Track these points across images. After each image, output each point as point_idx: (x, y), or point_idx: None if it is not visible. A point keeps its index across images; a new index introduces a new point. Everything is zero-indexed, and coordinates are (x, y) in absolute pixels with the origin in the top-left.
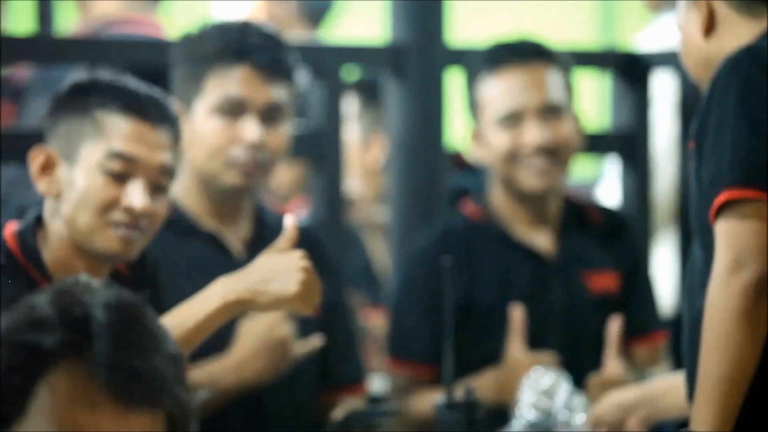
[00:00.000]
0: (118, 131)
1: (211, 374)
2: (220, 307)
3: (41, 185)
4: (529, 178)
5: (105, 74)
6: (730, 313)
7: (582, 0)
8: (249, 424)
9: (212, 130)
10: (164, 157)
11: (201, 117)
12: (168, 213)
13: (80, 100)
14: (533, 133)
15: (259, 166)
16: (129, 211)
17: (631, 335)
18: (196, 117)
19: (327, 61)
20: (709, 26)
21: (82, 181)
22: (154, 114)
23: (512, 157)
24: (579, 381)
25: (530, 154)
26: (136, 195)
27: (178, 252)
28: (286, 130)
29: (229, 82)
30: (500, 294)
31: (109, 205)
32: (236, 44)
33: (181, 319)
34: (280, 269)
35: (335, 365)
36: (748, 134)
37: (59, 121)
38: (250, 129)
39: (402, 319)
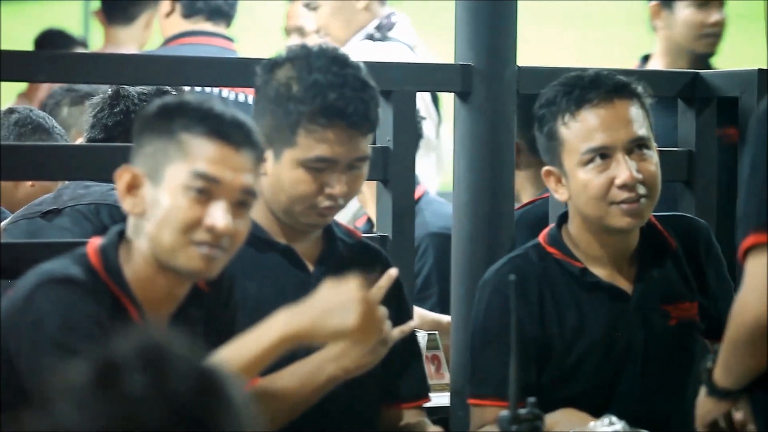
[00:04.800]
0: (202, 153)
1: (313, 365)
2: (278, 340)
3: (126, 204)
4: (620, 216)
5: (191, 98)
6: (735, 343)
7: (644, 26)
8: None
9: (299, 181)
10: (247, 179)
11: (289, 165)
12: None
13: (166, 123)
14: (624, 170)
15: (338, 209)
16: (211, 230)
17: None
18: (284, 163)
19: (396, 82)
20: None
21: (166, 201)
22: (238, 137)
23: (602, 195)
24: (662, 418)
25: (621, 191)
26: (218, 215)
27: (256, 264)
28: (365, 172)
29: (322, 144)
30: (578, 335)
31: (192, 225)
32: (333, 104)
33: (242, 349)
34: (340, 301)
35: (398, 379)
36: None
37: (145, 142)
38: (337, 185)
39: (480, 355)
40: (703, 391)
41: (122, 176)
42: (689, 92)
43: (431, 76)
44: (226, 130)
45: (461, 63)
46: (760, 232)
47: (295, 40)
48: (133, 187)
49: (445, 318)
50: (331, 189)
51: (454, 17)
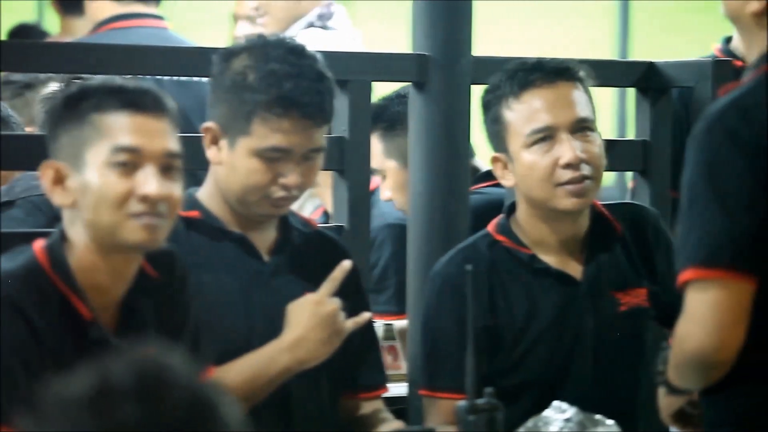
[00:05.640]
0: (117, 127)
1: (267, 356)
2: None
3: (56, 198)
4: (566, 197)
5: (94, 80)
6: (679, 367)
7: (599, 17)
8: (276, 424)
9: (253, 170)
10: (167, 143)
11: (243, 154)
12: (197, 215)
13: (74, 110)
14: (568, 150)
15: (292, 200)
16: (145, 199)
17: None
18: (238, 152)
19: (352, 72)
20: None
21: (94, 182)
22: (147, 104)
23: (547, 177)
24: (616, 404)
25: (566, 171)
26: (148, 182)
27: (210, 253)
28: (320, 164)
29: (277, 133)
30: (528, 321)
31: (124, 199)
32: (289, 94)
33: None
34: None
35: (355, 369)
36: (715, 211)
37: (59, 134)
38: (291, 176)
39: (432, 347)
40: (661, 390)
41: (45, 172)
42: (644, 82)
43: (387, 66)
44: (133, 100)
45: (417, 53)
46: (698, 267)
47: (243, 28)
48: (58, 180)
49: None
50: (285, 179)
51: (410, 7)
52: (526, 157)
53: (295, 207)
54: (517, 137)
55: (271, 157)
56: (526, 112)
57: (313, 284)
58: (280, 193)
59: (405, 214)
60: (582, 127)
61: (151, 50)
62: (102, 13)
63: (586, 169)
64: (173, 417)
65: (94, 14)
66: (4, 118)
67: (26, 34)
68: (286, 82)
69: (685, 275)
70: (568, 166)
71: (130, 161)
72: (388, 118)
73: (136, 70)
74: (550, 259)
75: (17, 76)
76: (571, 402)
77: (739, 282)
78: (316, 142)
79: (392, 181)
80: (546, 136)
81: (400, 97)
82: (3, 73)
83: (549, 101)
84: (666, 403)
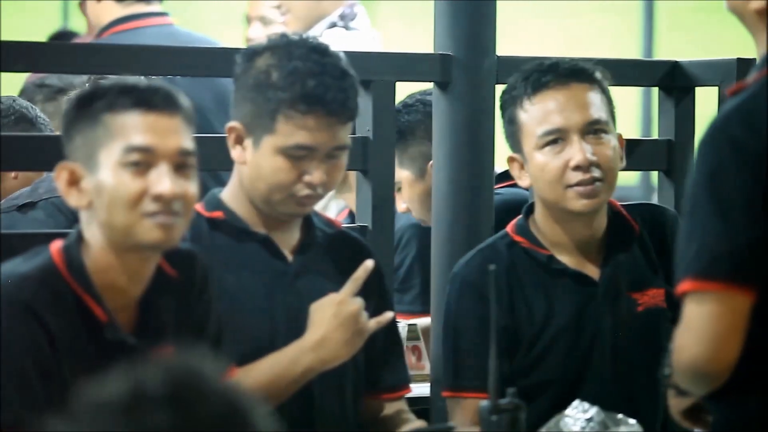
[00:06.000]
0: (128, 127)
1: (290, 356)
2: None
3: (72, 200)
4: (576, 199)
5: (106, 80)
6: (679, 374)
7: (623, 16)
8: (297, 424)
9: (279, 169)
10: (180, 140)
11: (268, 153)
12: (220, 216)
13: (87, 110)
14: (578, 152)
15: (317, 199)
16: (158, 198)
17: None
18: (263, 151)
19: (376, 72)
20: None
21: (108, 183)
22: (159, 102)
23: (557, 178)
24: (634, 403)
25: (576, 174)
26: (161, 181)
27: (233, 254)
28: (344, 162)
29: (301, 130)
30: (546, 322)
31: (138, 198)
32: (312, 91)
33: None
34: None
35: (379, 370)
36: (716, 222)
37: (74, 135)
38: (316, 173)
39: (454, 348)
40: (670, 390)
41: (60, 174)
42: (668, 81)
43: (411, 66)
44: (144, 99)
45: (441, 53)
46: (696, 279)
47: (256, 29)
48: (73, 182)
49: None
50: (310, 177)
51: (432, 7)
52: (538, 158)
53: (318, 208)
54: (530, 138)
55: (296, 155)
56: (538, 113)
57: (337, 284)
58: (305, 192)
59: (423, 224)
60: (594, 129)
61: (168, 50)
62: (105, 17)
63: (596, 172)
64: (206, 423)
65: (96, 18)
66: (33, 119)
67: (64, 39)
68: (310, 79)
69: (683, 286)
70: (578, 168)
71: (142, 161)
72: (398, 129)
73: (153, 71)
74: (567, 260)
75: (52, 80)
76: (590, 401)
77: (737, 295)
78: (341, 139)
79: (407, 191)
80: (557, 137)
81: (407, 107)
82: (38, 76)
83: (561, 103)
84: (674, 402)
